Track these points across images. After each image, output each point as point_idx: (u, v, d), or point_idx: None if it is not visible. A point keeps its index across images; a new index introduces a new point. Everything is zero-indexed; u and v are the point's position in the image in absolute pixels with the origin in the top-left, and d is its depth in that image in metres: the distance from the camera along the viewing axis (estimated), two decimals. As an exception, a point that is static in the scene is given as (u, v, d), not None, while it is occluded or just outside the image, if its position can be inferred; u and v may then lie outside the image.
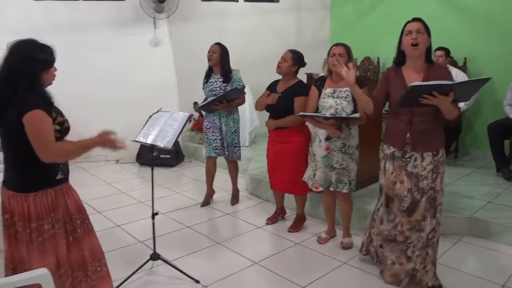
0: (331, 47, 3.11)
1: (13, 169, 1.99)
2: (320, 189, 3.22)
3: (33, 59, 1.88)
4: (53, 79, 2.02)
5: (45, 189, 1.96)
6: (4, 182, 2.02)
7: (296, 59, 3.43)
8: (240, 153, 4.19)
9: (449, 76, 2.48)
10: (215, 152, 4.12)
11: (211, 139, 4.11)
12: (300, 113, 3.17)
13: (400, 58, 2.59)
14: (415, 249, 2.61)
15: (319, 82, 3.21)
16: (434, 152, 2.52)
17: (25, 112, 1.83)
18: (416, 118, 2.50)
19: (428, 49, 2.51)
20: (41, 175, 1.97)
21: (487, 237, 3.34)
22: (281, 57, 3.45)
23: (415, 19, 2.52)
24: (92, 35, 5.87)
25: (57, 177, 2.01)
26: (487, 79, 2.29)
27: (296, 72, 3.49)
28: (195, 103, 4.14)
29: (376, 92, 2.72)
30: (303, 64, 3.49)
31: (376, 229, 2.85)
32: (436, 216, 2.58)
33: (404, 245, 2.64)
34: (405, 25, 2.53)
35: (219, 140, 4.09)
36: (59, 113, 2.01)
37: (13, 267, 2.02)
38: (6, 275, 1.98)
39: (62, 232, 2.02)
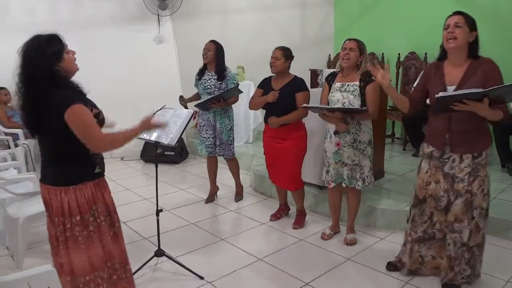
0: (344, 41, 3.10)
1: (52, 164, 2.00)
2: (333, 185, 3.20)
3: (43, 56, 1.85)
4: (75, 64, 2.01)
5: (84, 183, 1.98)
6: (43, 178, 2.02)
7: (286, 54, 3.43)
8: (233, 150, 4.18)
9: (495, 72, 2.32)
10: (207, 151, 4.12)
11: (204, 137, 4.12)
12: (304, 105, 3.17)
13: (442, 54, 2.48)
14: (455, 248, 2.53)
15: (330, 77, 3.21)
16: (475, 154, 2.40)
17: (65, 109, 1.83)
18: (455, 117, 2.36)
19: (472, 44, 2.36)
20: (81, 168, 1.99)
21: (492, 233, 3.30)
22: (272, 57, 3.43)
23: (455, 13, 2.39)
24: (97, 33, 5.87)
25: (96, 171, 2.04)
26: None
27: (289, 67, 3.48)
28: (181, 97, 4.13)
29: (415, 91, 2.65)
30: (292, 57, 3.48)
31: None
32: (474, 219, 2.45)
33: (443, 241, 2.60)
34: (446, 19, 2.41)
35: (212, 138, 4.09)
36: (93, 105, 2.04)
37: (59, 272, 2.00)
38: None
39: (106, 225, 2.05)
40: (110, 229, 2.08)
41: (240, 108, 5.66)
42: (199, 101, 4.00)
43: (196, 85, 4.16)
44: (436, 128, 2.50)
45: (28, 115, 1.95)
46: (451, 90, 2.35)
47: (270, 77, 3.57)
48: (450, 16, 2.40)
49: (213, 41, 4.04)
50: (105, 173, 2.13)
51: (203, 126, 4.12)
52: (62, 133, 1.88)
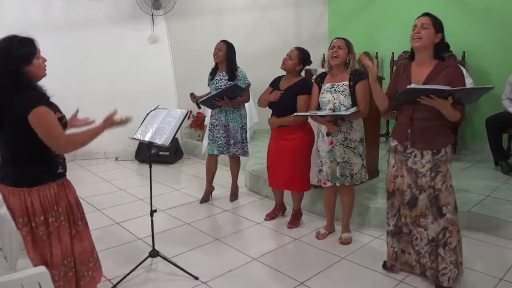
0: (332, 40, 3.12)
1: (13, 165, 2.01)
2: (328, 184, 3.20)
3: (12, 56, 1.87)
4: (44, 71, 2.02)
5: (47, 183, 2.00)
6: (2, 179, 2.03)
7: (302, 57, 3.41)
8: (247, 149, 4.18)
9: (458, 76, 2.42)
10: (219, 150, 4.12)
11: (216, 136, 4.11)
12: (295, 114, 3.19)
13: (411, 54, 2.58)
14: (421, 244, 2.61)
15: (319, 79, 3.22)
16: (435, 151, 2.48)
17: (29, 110, 1.85)
18: (417, 114, 2.48)
19: (437, 45, 2.45)
20: (44, 169, 2.00)
21: (485, 231, 3.35)
22: (287, 54, 3.43)
23: (423, 14, 2.49)
24: (90, 32, 5.84)
25: (58, 171, 2.05)
26: (490, 88, 2.25)
27: (301, 70, 3.48)
28: (192, 94, 4.12)
29: (389, 89, 2.74)
30: (308, 62, 3.48)
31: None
32: (445, 216, 2.51)
33: (409, 237, 2.68)
34: (415, 20, 2.51)
35: (224, 137, 4.09)
36: (57, 108, 2.03)
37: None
38: None
39: (66, 225, 2.06)
40: (71, 228, 2.09)
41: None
42: (203, 98, 3.99)
43: (208, 84, 4.16)
44: (400, 124, 2.61)
45: None
46: None
47: (281, 76, 3.57)
48: (418, 17, 2.50)
49: (224, 41, 4.03)
50: (67, 173, 2.14)
51: (216, 125, 4.11)
52: (25, 134, 1.90)
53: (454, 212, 2.54)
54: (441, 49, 2.49)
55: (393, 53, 6.04)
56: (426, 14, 2.48)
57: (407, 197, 2.61)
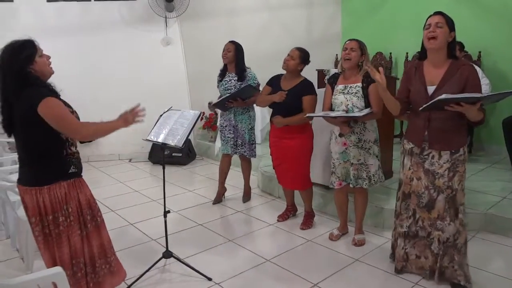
0: (345, 42, 3.10)
1: (27, 165, 2.06)
2: (343, 184, 3.18)
3: (15, 59, 1.94)
4: (50, 68, 2.07)
5: (58, 182, 2.02)
6: (18, 180, 2.09)
7: (303, 57, 3.41)
8: (255, 151, 4.20)
9: (473, 75, 2.39)
10: (232, 150, 4.13)
11: (228, 137, 4.12)
12: (308, 114, 3.17)
13: (423, 53, 2.54)
14: (439, 246, 2.57)
15: (332, 80, 3.20)
16: (453, 151, 2.46)
17: (37, 103, 1.90)
18: (434, 115, 2.44)
19: (451, 44, 2.43)
20: (55, 168, 2.03)
21: (502, 233, 3.29)
22: (288, 54, 3.42)
23: (436, 13, 2.45)
24: (104, 35, 5.93)
25: (70, 171, 2.07)
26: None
27: (301, 70, 3.47)
28: (210, 103, 4.14)
29: (399, 93, 2.68)
30: (308, 62, 3.47)
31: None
32: (459, 217, 2.51)
33: (427, 240, 2.63)
34: (426, 19, 2.47)
35: (233, 138, 4.10)
36: (66, 104, 2.07)
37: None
38: None
39: (75, 226, 2.08)
40: (81, 229, 2.11)
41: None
42: (216, 101, 4.01)
43: (218, 86, 4.17)
44: (416, 126, 2.57)
45: (3, 115, 2.01)
46: (431, 90, 2.43)
47: (280, 75, 3.56)
48: (430, 16, 2.46)
49: (232, 42, 4.04)
50: (82, 173, 2.16)
51: (225, 126, 4.13)
52: (35, 133, 1.94)
53: (463, 213, 2.54)
54: (454, 48, 2.46)
55: (407, 53, 5.98)
56: (438, 13, 2.45)
57: (425, 199, 2.57)
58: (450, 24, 2.40)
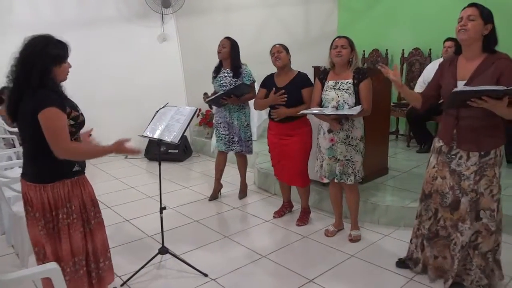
0: (333, 39, 3.11)
1: (31, 161, 2.04)
2: (326, 180, 3.24)
3: (45, 53, 1.92)
4: (67, 75, 2.06)
5: (62, 180, 2.02)
6: (23, 174, 2.08)
7: (286, 47, 3.46)
8: (252, 147, 4.20)
9: (510, 68, 2.20)
10: (226, 147, 4.13)
11: (222, 134, 4.12)
12: (301, 112, 3.17)
13: (458, 47, 2.42)
14: (456, 249, 2.48)
15: (322, 75, 3.21)
16: (482, 153, 2.33)
17: (40, 109, 1.88)
18: (463, 113, 2.31)
19: (487, 37, 2.27)
20: (59, 166, 2.01)
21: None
22: (274, 52, 3.43)
23: (470, 5, 2.30)
24: (100, 31, 5.89)
25: (74, 169, 2.07)
26: None
27: (290, 62, 3.49)
28: (205, 94, 4.12)
29: (427, 87, 2.61)
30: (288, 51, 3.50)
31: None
32: (481, 220, 2.39)
33: (447, 240, 2.55)
34: (460, 12, 2.34)
35: (228, 135, 4.10)
36: (74, 107, 2.05)
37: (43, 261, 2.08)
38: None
39: (78, 223, 2.08)
40: (85, 226, 2.11)
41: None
42: (210, 97, 4.00)
43: (213, 82, 4.17)
44: (445, 123, 2.47)
45: (11, 103, 1.99)
46: (461, 85, 2.29)
47: (272, 74, 3.56)
48: (464, 8, 2.32)
49: (228, 38, 4.03)
50: (85, 171, 2.16)
51: (220, 123, 4.13)
52: (37, 129, 1.92)
53: (492, 219, 2.39)
54: (491, 42, 2.29)
55: (403, 50, 5.99)
56: (472, 4, 2.29)
57: (449, 199, 2.48)
58: (485, 16, 2.25)
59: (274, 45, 3.48)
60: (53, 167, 2.01)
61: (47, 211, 2.00)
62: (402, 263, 2.85)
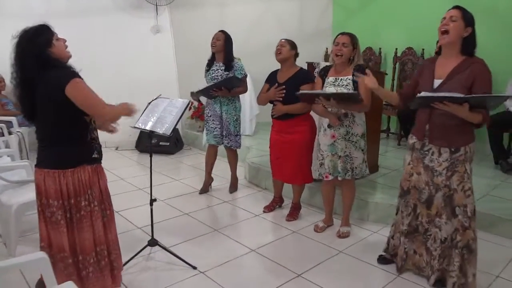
0: (337, 35, 3.10)
1: (49, 147, 2.04)
2: (330, 177, 3.18)
3: (33, 44, 1.94)
4: (68, 51, 2.09)
5: (82, 165, 2.03)
6: (38, 163, 2.06)
7: (292, 44, 3.44)
8: (240, 142, 4.20)
9: (484, 74, 2.30)
10: (215, 140, 4.13)
11: (211, 127, 4.11)
12: (300, 92, 3.08)
13: (440, 47, 2.48)
14: (434, 245, 2.54)
15: (323, 72, 3.21)
16: (453, 149, 2.41)
17: (65, 84, 1.90)
18: (437, 110, 2.34)
19: (466, 40, 2.34)
20: (80, 151, 2.04)
21: (483, 228, 3.34)
22: (277, 46, 3.43)
23: (454, 7, 2.38)
24: (93, 21, 5.82)
25: (94, 156, 2.09)
26: (507, 97, 2.22)
27: (295, 57, 3.47)
28: (192, 93, 4.11)
29: (406, 86, 2.67)
30: (296, 49, 3.47)
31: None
32: (457, 217, 2.44)
33: (424, 236, 2.62)
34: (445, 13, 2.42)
35: (219, 128, 4.09)
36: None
37: (52, 254, 2.05)
38: None
39: (99, 211, 2.09)
40: (103, 215, 2.13)
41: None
42: (201, 88, 3.98)
43: (205, 75, 4.15)
44: (419, 119, 2.55)
45: (24, 101, 2.00)
46: (437, 83, 2.40)
47: (276, 70, 3.56)
48: (449, 9, 2.40)
49: (222, 31, 4.01)
50: (102, 160, 2.17)
51: (210, 116, 4.12)
52: (61, 115, 1.93)
53: (466, 215, 2.43)
54: (470, 45, 2.36)
55: (396, 49, 6.01)
56: (455, 7, 2.38)
57: (425, 195, 2.55)
58: (466, 19, 2.32)
59: (281, 39, 3.47)
60: (74, 153, 2.02)
61: (65, 199, 2.00)
62: (383, 259, 2.89)
